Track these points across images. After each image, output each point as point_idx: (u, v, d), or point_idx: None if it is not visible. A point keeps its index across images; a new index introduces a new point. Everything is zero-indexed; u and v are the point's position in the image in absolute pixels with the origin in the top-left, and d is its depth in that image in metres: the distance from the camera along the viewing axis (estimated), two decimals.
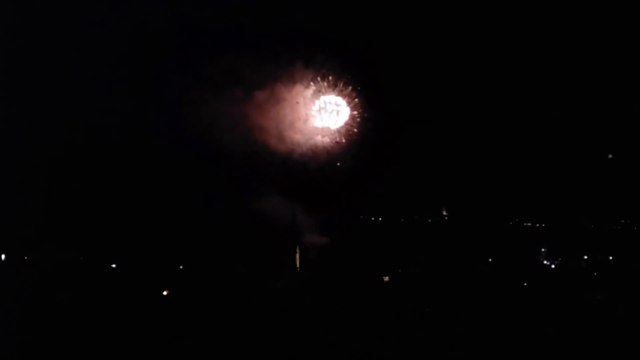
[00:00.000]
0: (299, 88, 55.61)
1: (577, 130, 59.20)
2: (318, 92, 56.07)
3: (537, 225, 63.85)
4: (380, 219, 63.02)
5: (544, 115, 59.10)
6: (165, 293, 55.05)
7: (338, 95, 56.28)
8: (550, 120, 59.22)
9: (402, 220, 63.30)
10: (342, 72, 55.65)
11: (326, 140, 56.41)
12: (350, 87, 56.34)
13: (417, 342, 47.23)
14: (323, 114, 56.32)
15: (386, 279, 58.64)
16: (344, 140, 56.72)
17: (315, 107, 56.47)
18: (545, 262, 61.97)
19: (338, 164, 56.47)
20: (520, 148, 59.70)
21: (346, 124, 56.91)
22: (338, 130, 56.80)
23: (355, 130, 57.15)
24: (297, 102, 55.52)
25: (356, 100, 56.66)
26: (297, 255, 59.19)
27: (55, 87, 53.80)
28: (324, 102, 56.22)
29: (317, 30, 54.49)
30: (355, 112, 56.85)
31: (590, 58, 57.91)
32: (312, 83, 55.91)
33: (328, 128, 56.57)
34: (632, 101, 57.98)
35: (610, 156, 59.96)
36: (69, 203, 56.85)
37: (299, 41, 54.51)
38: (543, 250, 62.22)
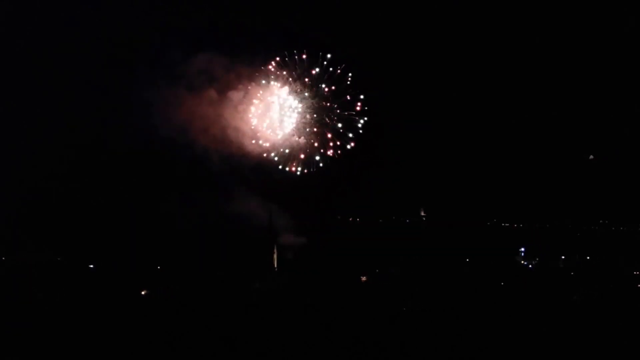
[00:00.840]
0: (273, 88, 55.54)
1: (556, 132, 59.48)
2: (293, 92, 56.04)
3: (515, 226, 63.96)
4: (358, 219, 63.08)
5: (521, 118, 59.42)
6: (143, 293, 55.22)
7: (316, 95, 56.24)
8: (528, 123, 59.52)
9: (380, 221, 63.35)
10: (318, 72, 55.61)
11: (302, 140, 56.32)
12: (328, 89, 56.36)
13: (394, 341, 47.34)
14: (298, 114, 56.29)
15: (364, 279, 58.74)
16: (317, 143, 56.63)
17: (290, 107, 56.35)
18: (523, 262, 62.03)
19: (312, 169, 56.38)
20: (499, 150, 59.99)
21: (325, 125, 56.90)
22: (314, 132, 56.75)
23: (335, 130, 57.11)
24: (272, 102, 55.42)
25: (335, 102, 56.67)
26: (275, 256, 59.17)
27: (27, 91, 54.09)
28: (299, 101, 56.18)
29: (292, 30, 54.66)
30: (333, 114, 56.84)
31: (568, 62, 58.25)
32: (287, 82, 55.92)
33: (303, 128, 56.47)
34: (611, 104, 58.29)
35: (591, 157, 60.08)
36: (47, 205, 56.97)
37: (274, 41, 54.72)
38: (521, 250, 62.29)
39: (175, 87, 54.25)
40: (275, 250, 59.15)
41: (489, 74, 58.94)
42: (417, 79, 58.19)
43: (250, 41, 54.63)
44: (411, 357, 45.81)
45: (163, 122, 53.98)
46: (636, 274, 59.10)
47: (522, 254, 62.12)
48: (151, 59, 54.48)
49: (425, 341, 47.30)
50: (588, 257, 61.50)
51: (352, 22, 56.18)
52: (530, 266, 61.81)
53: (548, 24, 57.90)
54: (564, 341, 47.07)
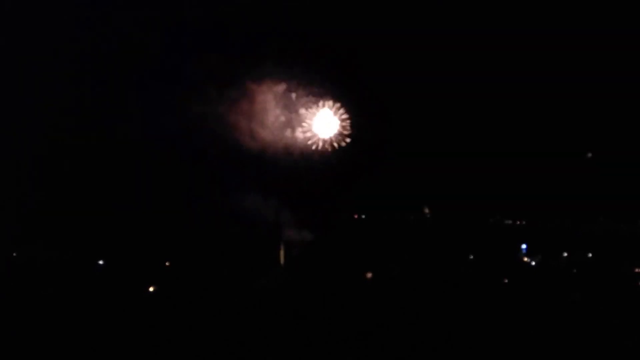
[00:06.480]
0: (269, 83, 55.77)
1: (556, 129, 59.87)
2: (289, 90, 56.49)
3: (518, 222, 64.43)
4: (363, 216, 63.63)
5: (523, 114, 59.77)
6: (151, 289, 55.96)
7: (310, 91, 56.61)
8: (529, 119, 59.92)
9: (385, 218, 63.90)
10: (315, 68, 55.89)
11: (301, 137, 56.78)
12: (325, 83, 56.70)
13: (400, 339, 48.05)
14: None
15: (369, 275, 59.41)
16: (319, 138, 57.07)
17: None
18: (525, 259, 62.58)
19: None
20: (501, 146, 60.24)
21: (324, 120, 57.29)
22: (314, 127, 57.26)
23: (337, 128, 57.53)
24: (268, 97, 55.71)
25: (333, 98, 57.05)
26: (282, 253, 59.76)
27: (35, 87, 54.52)
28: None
29: (288, 25, 54.90)
30: (334, 109, 57.22)
31: (567, 57, 58.55)
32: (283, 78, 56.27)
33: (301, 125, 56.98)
34: (611, 101, 58.60)
35: (589, 155, 60.59)
36: (55, 201, 57.46)
37: (269, 36, 54.94)
38: (523, 247, 62.82)
39: (179, 85, 54.70)
40: (281, 247, 59.73)
41: (490, 72, 59.27)
42: (420, 77, 58.49)
43: (245, 36, 54.94)
44: (416, 354, 46.58)
45: (169, 119, 54.47)
46: (637, 271, 59.73)
47: (524, 250, 62.68)
48: (148, 59, 54.73)
49: (428, 338, 48.06)
50: (590, 255, 62.06)
51: (351, 20, 56.44)
52: (533, 263, 62.36)
53: (548, 22, 58.36)
54: (565, 339, 47.83)
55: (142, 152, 56.46)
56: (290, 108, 56.90)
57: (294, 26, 54.81)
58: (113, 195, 58.21)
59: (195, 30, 55.10)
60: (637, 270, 59.73)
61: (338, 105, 56.83)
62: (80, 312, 51.10)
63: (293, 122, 56.94)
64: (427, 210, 64.31)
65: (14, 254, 58.52)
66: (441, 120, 59.64)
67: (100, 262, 58.93)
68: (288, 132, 57.01)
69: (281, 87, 56.17)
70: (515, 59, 58.56)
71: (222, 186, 57.24)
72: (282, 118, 56.74)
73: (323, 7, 55.00)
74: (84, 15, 53.95)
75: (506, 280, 59.50)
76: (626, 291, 56.92)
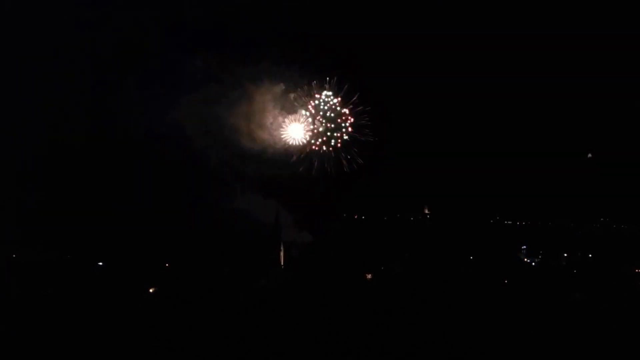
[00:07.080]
0: (267, 85, 55.93)
1: (556, 129, 60.16)
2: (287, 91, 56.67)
3: (518, 223, 64.51)
4: (363, 217, 63.68)
5: (523, 114, 60.06)
6: (151, 290, 55.92)
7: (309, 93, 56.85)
8: (529, 119, 60.21)
9: (385, 218, 63.95)
10: (314, 70, 56.14)
11: (299, 137, 56.92)
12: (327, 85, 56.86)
13: (400, 339, 47.99)
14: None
15: (369, 276, 59.41)
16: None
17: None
18: (525, 259, 62.61)
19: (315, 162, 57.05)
20: (501, 148, 60.50)
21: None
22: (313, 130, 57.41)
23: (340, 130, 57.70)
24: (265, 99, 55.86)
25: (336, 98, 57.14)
26: (282, 253, 59.78)
27: (36, 87, 54.71)
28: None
29: (288, 25, 55.10)
30: (336, 112, 57.35)
31: (567, 57, 58.81)
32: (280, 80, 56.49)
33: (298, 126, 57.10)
34: (611, 101, 58.85)
35: (589, 155, 60.68)
36: (55, 202, 57.50)
37: (269, 36, 55.19)
38: (523, 247, 62.85)
39: (178, 85, 54.94)
40: (281, 247, 59.76)
41: (490, 72, 59.57)
42: (420, 77, 58.71)
43: (244, 39, 55.19)
44: (416, 354, 46.51)
45: (172, 121, 54.63)
46: (638, 271, 59.77)
47: (524, 251, 62.74)
48: (148, 61, 54.95)
49: (429, 338, 47.99)
50: (590, 255, 62.11)
51: (350, 19, 56.67)
52: (533, 263, 62.42)
53: (547, 22, 58.58)
54: (565, 339, 47.79)
55: (142, 152, 56.55)
56: (289, 109, 57.19)
57: (293, 26, 55.00)
58: (113, 196, 58.26)
59: (195, 30, 55.29)
60: (637, 270, 59.80)
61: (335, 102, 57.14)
62: (80, 312, 50.87)
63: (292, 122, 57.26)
64: (427, 211, 64.45)
65: (14, 255, 58.34)
66: (441, 120, 60.10)
67: (100, 263, 58.75)
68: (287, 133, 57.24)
69: (280, 88, 56.40)
70: (515, 59, 59.17)
71: (222, 187, 57.36)
72: (281, 119, 57.01)
73: (323, 7, 55.21)
74: (85, 15, 54.02)
75: (506, 281, 59.43)
76: (626, 291, 56.89)
